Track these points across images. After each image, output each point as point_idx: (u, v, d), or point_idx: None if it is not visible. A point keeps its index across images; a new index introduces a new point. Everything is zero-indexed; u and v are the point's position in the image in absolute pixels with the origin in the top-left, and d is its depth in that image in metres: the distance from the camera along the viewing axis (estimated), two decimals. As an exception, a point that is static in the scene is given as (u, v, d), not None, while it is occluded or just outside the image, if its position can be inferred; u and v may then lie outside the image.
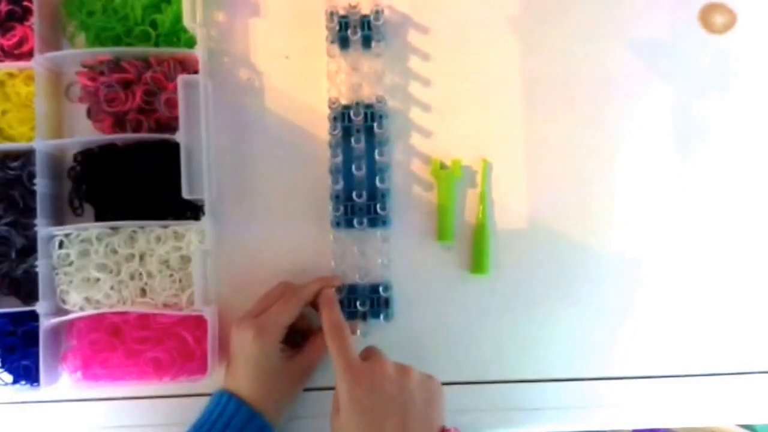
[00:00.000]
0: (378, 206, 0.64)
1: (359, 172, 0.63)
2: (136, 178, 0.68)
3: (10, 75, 0.69)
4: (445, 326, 0.69)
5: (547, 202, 0.70)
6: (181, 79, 0.66)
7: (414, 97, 0.71)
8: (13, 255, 0.67)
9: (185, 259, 0.67)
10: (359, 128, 0.64)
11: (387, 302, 0.66)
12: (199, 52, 0.67)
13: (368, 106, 0.65)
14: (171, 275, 0.67)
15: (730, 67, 0.72)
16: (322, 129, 0.69)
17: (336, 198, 0.65)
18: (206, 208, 0.67)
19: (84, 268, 0.67)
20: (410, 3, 0.72)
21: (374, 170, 0.65)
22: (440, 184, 0.69)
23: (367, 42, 0.66)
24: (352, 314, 0.66)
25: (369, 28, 0.65)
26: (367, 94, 0.65)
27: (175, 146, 0.66)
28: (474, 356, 0.69)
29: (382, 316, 0.67)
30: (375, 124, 0.64)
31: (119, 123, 0.68)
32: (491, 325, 0.69)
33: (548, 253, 0.70)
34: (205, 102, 0.66)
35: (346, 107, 0.65)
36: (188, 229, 0.67)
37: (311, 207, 0.69)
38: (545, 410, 0.69)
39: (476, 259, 0.69)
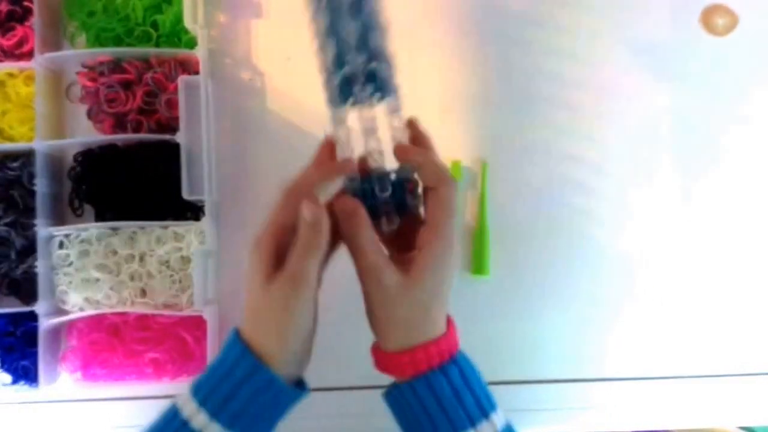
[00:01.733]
0: (380, 67, 0.48)
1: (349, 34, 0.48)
2: (137, 178, 0.68)
3: (10, 75, 0.69)
4: (445, 327, 0.69)
5: (546, 203, 0.70)
6: (182, 79, 0.66)
7: (413, 99, 0.71)
8: (13, 255, 0.67)
9: (185, 260, 0.67)
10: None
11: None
12: (199, 53, 0.67)
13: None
14: (171, 276, 0.67)
15: (731, 69, 0.72)
16: (322, 130, 0.68)
17: (326, 70, 0.48)
18: (206, 209, 0.67)
19: (84, 268, 0.67)
20: (411, 3, 0.72)
21: (367, 28, 0.48)
22: (440, 185, 0.69)
23: None
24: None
25: None
26: None
27: (176, 147, 0.66)
28: (473, 357, 0.69)
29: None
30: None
31: (120, 123, 0.68)
32: (491, 325, 0.69)
33: (548, 255, 0.70)
34: (206, 103, 0.66)
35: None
36: (188, 229, 0.67)
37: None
38: (545, 411, 0.69)
39: (476, 260, 0.69)
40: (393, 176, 0.48)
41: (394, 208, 0.48)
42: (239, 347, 0.44)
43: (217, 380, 0.44)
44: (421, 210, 0.48)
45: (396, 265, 0.45)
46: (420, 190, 0.48)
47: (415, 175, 0.48)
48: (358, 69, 0.48)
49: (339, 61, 0.48)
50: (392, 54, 0.51)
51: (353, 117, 0.48)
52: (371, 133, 0.48)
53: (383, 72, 0.48)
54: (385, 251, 0.46)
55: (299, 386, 0.47)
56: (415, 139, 0.50)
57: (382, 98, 0.48)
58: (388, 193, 0.48)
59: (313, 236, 0.44)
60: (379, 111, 0.49)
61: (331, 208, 0.46)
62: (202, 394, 0.44)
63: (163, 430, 0.44)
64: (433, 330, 0.45)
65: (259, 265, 0.45)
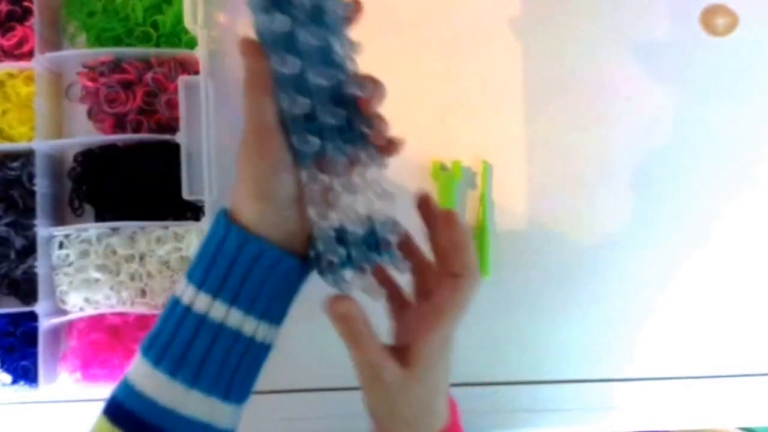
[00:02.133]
0: (358, 120, 0.41)
1: (319, 80, 0.40)
2: (137, 178, 0.68)
3: (10, 75, 0.69)
4: (445, 328, 0.69)
5: (547, 203, 0.70)
6: (182, 80, 0.66)
7: (413, 99, 0.71)
8: (13, 255, 0.67)
9: (185, 260, 0.67)
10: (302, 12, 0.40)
11: (387, 245, 0.43)
12: (199, 53, 0.67)
13: None
14: (171, 276, 0.67)
15: (731, 70, 0.72)
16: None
17: (294, 123, 0.40)
18: (207, 209, 0.67)
19: (84, 268, 0.67)
20: (411, 4, 0.72)
21: (335, 69, 0.41)
22: (440, 185, 0.70)
23: None
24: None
25: None
26: None
27: (176, 147, 0.66)
28: (473, 358, 0.69)
29: (388, 264, 0.44)
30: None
31: (120, 123, 0.68)
32: (490, 326, 0.69)
33: (548, 255, 0.70)
34: (206, 103, 0.66)
35: None
36: (188, 230, 0.67)
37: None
38: (545, 412, 0.69)
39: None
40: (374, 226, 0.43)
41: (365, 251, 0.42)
42: (223, 221, 0.41)
43: (210, 259, 0.41)
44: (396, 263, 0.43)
45: (394, 353, 0.42)
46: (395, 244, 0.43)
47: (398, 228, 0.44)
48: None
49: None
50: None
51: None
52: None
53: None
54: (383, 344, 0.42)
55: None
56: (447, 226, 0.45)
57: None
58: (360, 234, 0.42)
59: (257, 77, 0.41)
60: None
61: None
62: (198, 275, 0.41)
63: (166, 322, 0.41)
64: (437, 422, 0.44)
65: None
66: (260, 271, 0.41)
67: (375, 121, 0.42)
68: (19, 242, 0.67)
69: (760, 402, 0.70)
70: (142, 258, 0.68)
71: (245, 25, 0.72)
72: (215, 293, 0.40)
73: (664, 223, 0.71)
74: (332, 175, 0.41)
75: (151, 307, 0.67)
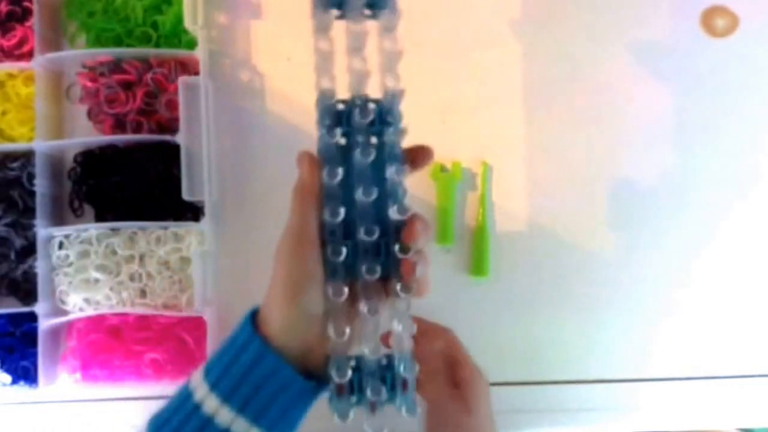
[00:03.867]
0: (396, 246, 0.42)
1: (367, 197, 0.41)
2: (137, 179, 0.68)
3: (10, 75, 0.69)
4: (445, 328, 0.69)
5: (547, 204, 0.70)
6: (182, 80, 0.66)
7: (413, 99, 0.71)
8: (13, 256, 0.67)
9: (185, 261, 0.67)
10: (364, 135, 0.42)
11: (405, 385, 0.42)
12: (199, 54, 0.67)
13: (377, 105, 0.43)
14: (171, 276, 0.67)
15: (731, 71, 0.72)
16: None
17: (332, 236, 0.42)
18: (206, 210, 0.67)
19: (84, 269, 0.67)
20: (411, 4, 0.71)
21: (386, 195, 0.42)
22: (440, 186, 0.69)
23: (373, 8, 0.45)
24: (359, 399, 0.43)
25: None
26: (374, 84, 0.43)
27: (176, 148, 0.66)
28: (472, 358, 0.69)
29: (400, 406, 0.42)
30: (387, 129, 0.43)
31: (120, 124, 0.68)
32: (490, 327, 0.69)
33: (548, 256, 0.70)
34: (206, 103, 0.66)
35: (346, 103, 0.43)
36: (188, 230, 0.67)
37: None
38: (544, 412, 0.69)
39: (476, 262, 0.69)
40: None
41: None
42: (249, 329, 0.43)
43: (228, 362, 0.43)
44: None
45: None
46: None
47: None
48: (371, 246, 0.42)
49: (346, 230, 0.42)
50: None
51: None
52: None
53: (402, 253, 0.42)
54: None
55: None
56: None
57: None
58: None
59: (308, 187, 0.43)
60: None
61: None
62: (214, 376, 0.42)
63: (176, 412, 0.43)
64: None
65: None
66: (273, 387, 0.42)
67: (412, 253, 0.42)
68: (19, 242, 0.67)
69: (759, 402, 0.70)
70: (142, 258, 0.68)
71: (245, 26, 0.72)
72: (225, 398, 0.41)
73: (663, 224, 0.71)
74: (359, 296, 0.42)
75: (151, 307, 0.67)
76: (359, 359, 0.42)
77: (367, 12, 0.43)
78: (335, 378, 0.41)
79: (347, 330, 0.42)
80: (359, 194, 0.41)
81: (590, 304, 0.70)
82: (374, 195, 0.41)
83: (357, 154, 0.41)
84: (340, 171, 0.41)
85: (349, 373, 0.41)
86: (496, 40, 0.72)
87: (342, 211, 0.41)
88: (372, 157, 0.41)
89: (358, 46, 0.41)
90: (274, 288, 0.43)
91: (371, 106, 0.42)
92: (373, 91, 0.43)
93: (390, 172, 0.42)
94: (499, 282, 0.69)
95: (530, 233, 0.70)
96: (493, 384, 0.69)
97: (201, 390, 0.42)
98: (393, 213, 0.42)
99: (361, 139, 0.42)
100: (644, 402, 0.69)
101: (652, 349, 0.70)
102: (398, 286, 0.41)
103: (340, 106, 0.42)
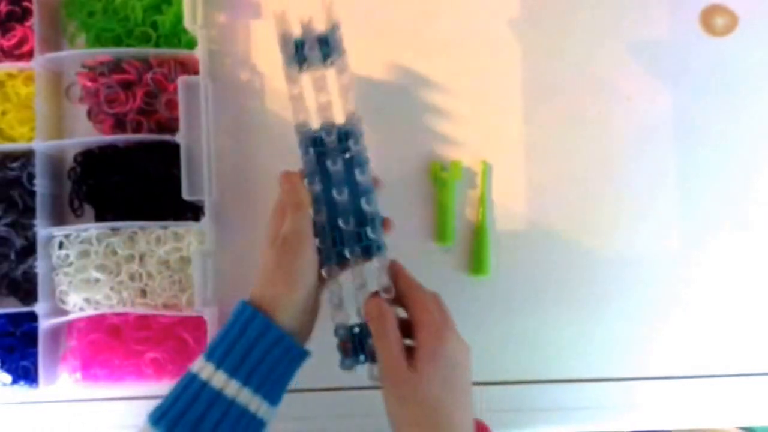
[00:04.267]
0: (369, 230, 0.54)
1: (341, 196, 0.54)
2: (137, 179, 0.68)
3: (10, 75, 0.69)
4: (445, 328, 0.69)
5: (546, 203, 0.70)
6: (182, 80, 0.66)
7: (414, 99, 0.71)
8: (13, 255, 0.67)
9: (185, 260, 0.67)
10: (333, 150, 0.55)
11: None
12: (199, 54, 0.67)
13: (340, 128, 0.55)
14: (171, 276, 0.67)
15: (730, 70, 0.72)
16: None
17: (322, 230, 0.54)
18: (206, 210, 0.67)
19: (84, 268, 0.67)
20: (412, 4, 0.72)
21: (357, 193, 0.55)
22: (440, 185, 0.70)
23: (327, 58, 0.57)
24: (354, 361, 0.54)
25: (328, 44, 0.56)
26: (337, 112, 0.55)
27: (176, 147, 0.66)
28: (472, 358, 0.69)
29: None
30: (350, 143, 0.55)
31: (119, 124, 0.68)
32: (490, 326, 0.69)
33: (548, 254, 0.70)
34: (206, 103, 0.66)
35: (317, 131, 0.55)
36: (188, 230, 0.67)
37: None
38: (544, 411, 0.69)
39: (476, 261, 0.69)
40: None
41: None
42: (249, 310, 0.48)
43: (231, 342, 0.48)
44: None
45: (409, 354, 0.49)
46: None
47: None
48: (351, 233, 0.54)
49: (331, 223, 0.54)
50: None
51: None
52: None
53: (373, 234, 0.54)
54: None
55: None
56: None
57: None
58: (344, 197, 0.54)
59: (295, 199, 0.52)
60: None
61: None
62: (218, 356, 0.47)
63: (181, 395, 0.46)
64: None
65: (268, 231, 0.52)
66: (275, 355, 0.48)
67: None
68: (19, 242, 0.67)
69: (760, 402, 0.70)
70: (142, 258, 0.68)
71: (245, 26, 0.72)
72: (232, 372, 0.47)
73: (663, 223, 0.71)
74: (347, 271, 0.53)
75: (151, 307, 0.67)
76: (351, 327, 0.53)
77: (325, 61, 0.55)
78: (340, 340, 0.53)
79: (342, 299, 0.53)
80: (335, 194, 0.53)
81: (590, 303, 0.70)
82: (346, 194, 0.53)
83: (330, 164, 0.53)
84: (317, 180, 0.54)
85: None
86: (496, 40, 0.72)
87: (324, 209, 0.54)
88: (340, 165, 0.53)
89: (321, 85, 0.54)
90: (280, 278, 0.50)
91: (336, 128, 0.54)
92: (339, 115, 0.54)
93: (358, 174, 0.53)
94: (499, 281, 0.70)
95: (530, 232, 0.70)
96: (493, 383, 0.70)
97: (206, 370, 0.47)
98: (364, 204, 0.54)
99: (332, 154, 0.54)
100: (644, 400, 0.69)
101: (652, 348, 0.70)
102: (368, 230, 0.53)
103: (314, 132, 0.54)
